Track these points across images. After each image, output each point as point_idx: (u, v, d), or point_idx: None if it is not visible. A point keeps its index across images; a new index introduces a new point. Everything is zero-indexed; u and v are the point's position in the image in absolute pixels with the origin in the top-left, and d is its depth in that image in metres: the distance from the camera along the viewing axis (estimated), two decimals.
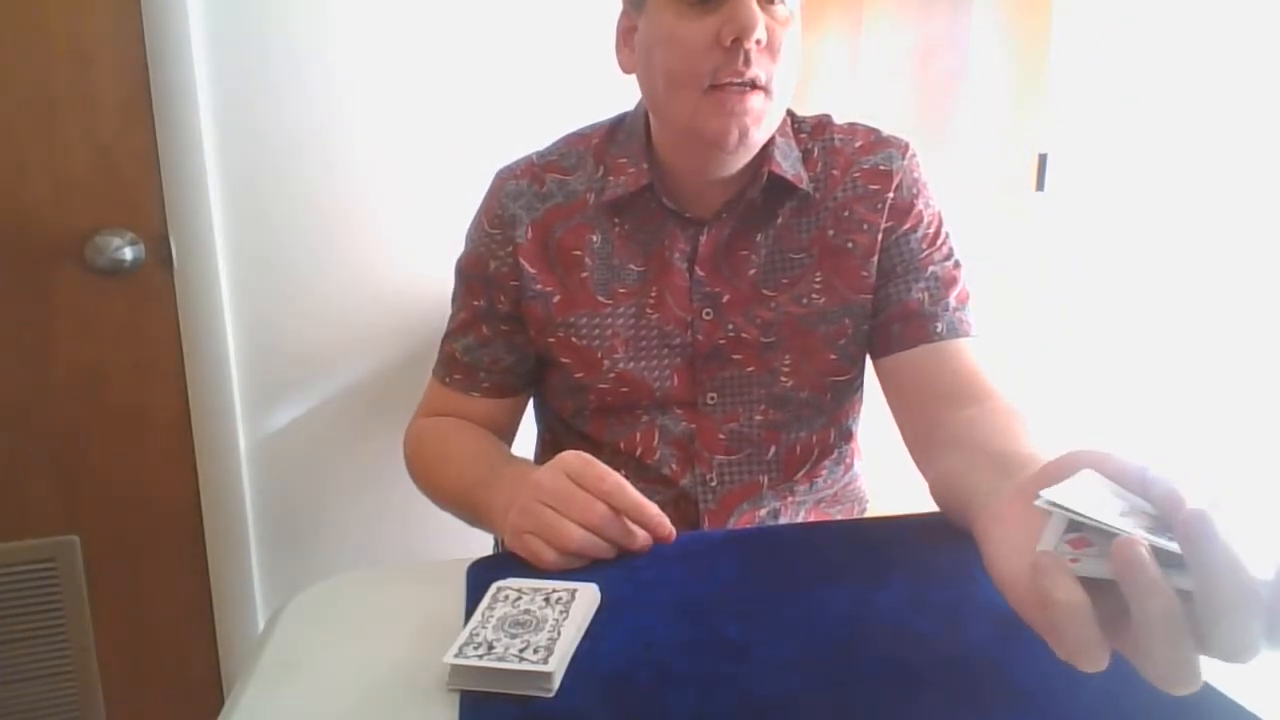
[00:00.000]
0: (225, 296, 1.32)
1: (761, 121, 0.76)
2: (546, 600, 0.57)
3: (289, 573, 1.43)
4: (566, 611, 0.55)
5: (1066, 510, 0.40)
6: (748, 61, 0.72)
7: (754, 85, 0.74)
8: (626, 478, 0.65)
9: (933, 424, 0.77)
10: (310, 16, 1.28)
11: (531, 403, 0.98)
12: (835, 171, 0.85)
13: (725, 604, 0.59)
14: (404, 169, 1.35)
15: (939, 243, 0.85)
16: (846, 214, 0.84)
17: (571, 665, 0.52)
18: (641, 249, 0.85)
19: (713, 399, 0.86)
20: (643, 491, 0.65)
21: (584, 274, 0.85)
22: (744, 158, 0.81)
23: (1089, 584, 0.38)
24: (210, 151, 1.28)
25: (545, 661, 0.50)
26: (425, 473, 0.88)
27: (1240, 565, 0.35)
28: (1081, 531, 0.40)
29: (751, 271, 0.85)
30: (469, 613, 0.57)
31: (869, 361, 0.89)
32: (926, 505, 0.72)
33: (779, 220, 0.85)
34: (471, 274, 0.89)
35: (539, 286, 0.86)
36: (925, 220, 0.85)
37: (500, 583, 0.59)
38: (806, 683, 0.50)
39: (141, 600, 1.38)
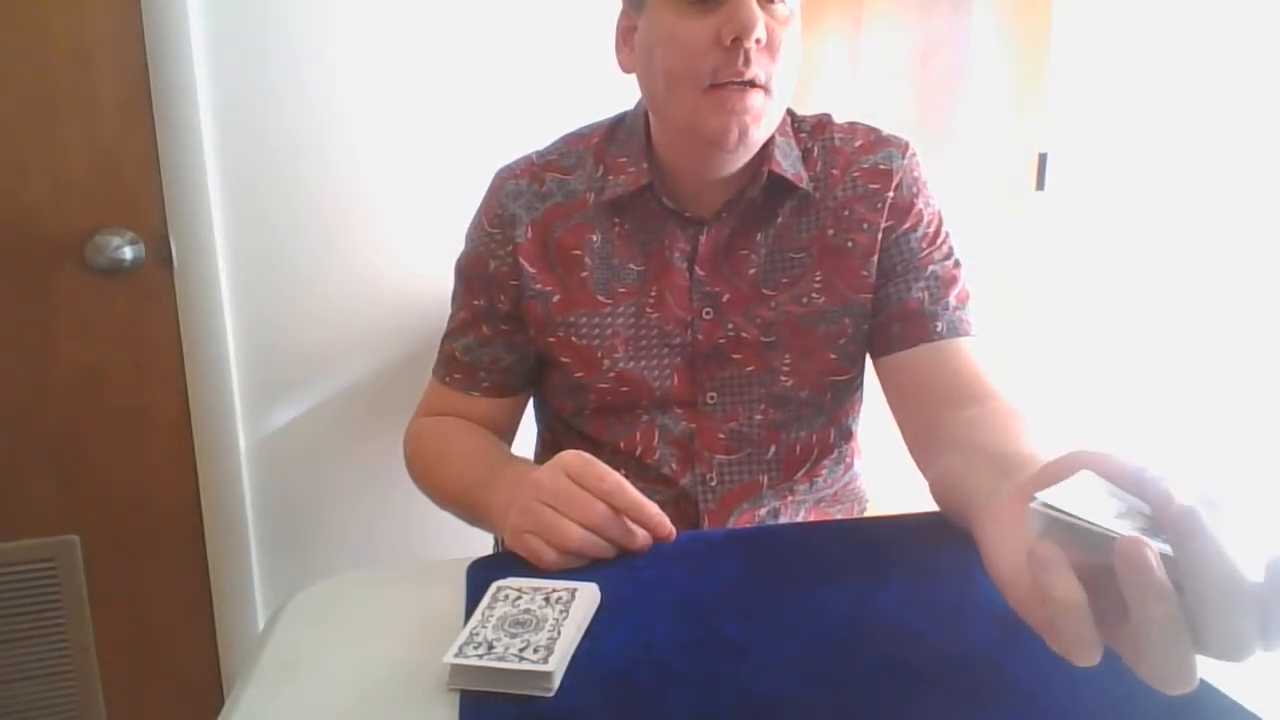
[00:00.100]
0: (225, 296, 1.32)
1: (761, 120, 0.76)
2: (546, 600, 0.57)
3: (289, 573, 1.43)
4: (566, 611, 0.55)
5: (1060, 513, 0.40)
6: (747, 61, 0.72)
7: (754, 84, 0.74)
8: (626, 477, 0.65)
9: (933, 424, 0.77)
10: (310, 16, 1.28)
11: (531, 403, 0.98)
12: (835, 171, 0.85)
13: (725, 604, 0.59)
14: (404, 169, 1.35)
15: (939, 242, 0.85)
16: (846, 213, 0.84)
17: (571, 665, 0.52)
18: (641, 248, 0.85)
19: (713, 398, 0.86)
20: (643, 491, 0.65)
21: (584, 273, 0.85)
22: (744, 157, 0.81)
23: (1086, 581, 0.38)
24: (210, 151, 1.28)
25: (545, 661, 0.50)
26: (425, 472, 0.88)
27: (1229, 561, 0.35)
28: (1074, 535, 0.40)
29: (751, 271, 0.85)
30: (469, 612, 0.57)
31: (869, 361, 0.89)
32: (926, 505, 0.72)
33: (779, 220, 0.85)
34: (471, 274, 0.89)
35: (539, 286, 0.86)
36: (925, 219, 0.85)
37: (500, 582, 0.59)
38: (806, 683, 0.50)
39: (141, 600, 1.38)
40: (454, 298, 0.93)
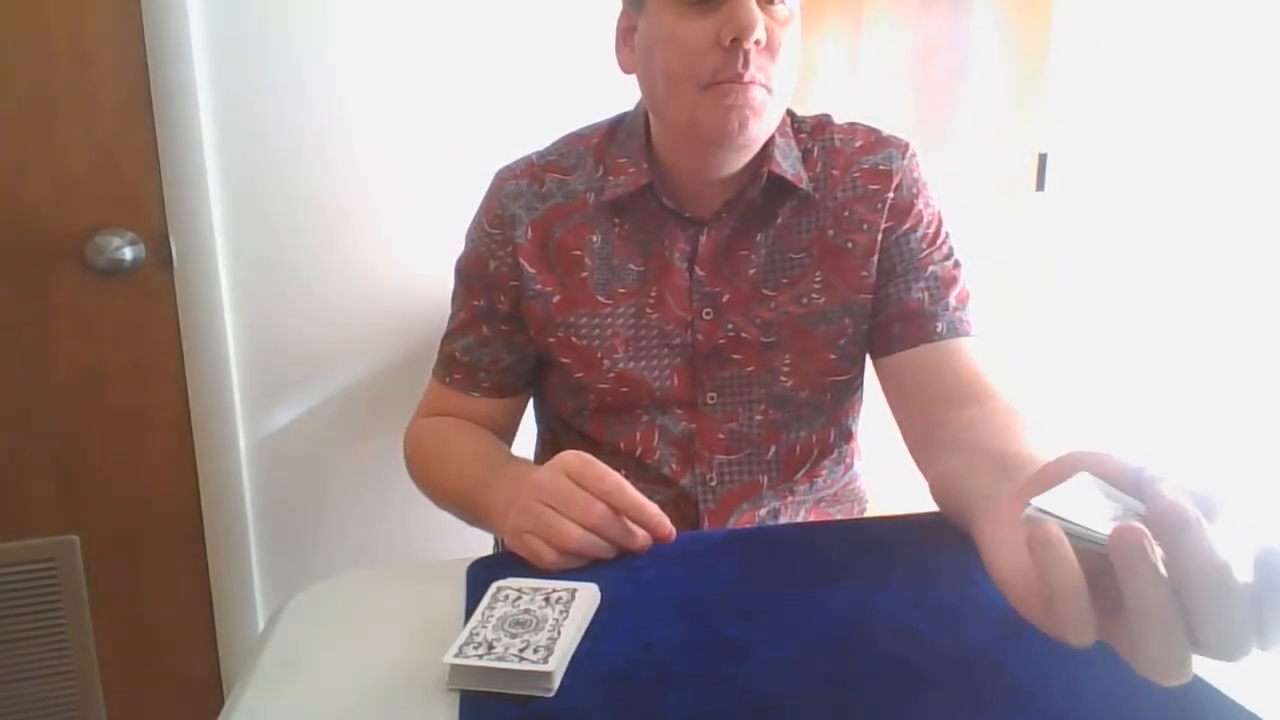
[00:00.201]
0: (225, 296, 1.32)
1: (761, 115, 0.75)
2: (546, 600, 0.57)
3: (289, 573, 1.43)
4: (566, 611, 0.55)
5: (1054, 518, 0.40)
6: (746, 62, 0.72)
7: (754, 82, 0.74)
8: (626, 477, 0.65)
9: (933, 424, 0.77)
10: (310, 16, 1.28)
11: (531, 403, 0.98)
12: (835, 171, 0.85)
13: (725, 604, 0.59)
14: (404, 169, 1.35)
15: (939, 242, 0.85)
16: (846, 214, 0.84)
17: (571, 665, 0.52)
18: (641, 249, 0.85)
19: (713, 399, 0.86)
20: (643, 491, 0.65)
21: (584, 274, 0.85)
22: (744, 156, 0.81)
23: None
24: (210, 151, 1.28)
25: (545, 661, 0.50)
26: (425, 472, 0.88)
27: (1220, 557, 0.35)
28: (1069, 540, 0.40)
29: (751, 271, 0.85)
30: (469, 612, 0.57)
31: (869, 361, 0.89)
32: (926, 505, 0.72)
33: (779, 220, 0.85)
34: (471, 274, 0.90)
35: (539, 286, 0.86)
36: (925, 220, 0.85)
37: (500, 582, 0.59)
38: (806, 683, 0.50)
39: (141, 600, 1.38)
40: (454, 298, 0.93)
